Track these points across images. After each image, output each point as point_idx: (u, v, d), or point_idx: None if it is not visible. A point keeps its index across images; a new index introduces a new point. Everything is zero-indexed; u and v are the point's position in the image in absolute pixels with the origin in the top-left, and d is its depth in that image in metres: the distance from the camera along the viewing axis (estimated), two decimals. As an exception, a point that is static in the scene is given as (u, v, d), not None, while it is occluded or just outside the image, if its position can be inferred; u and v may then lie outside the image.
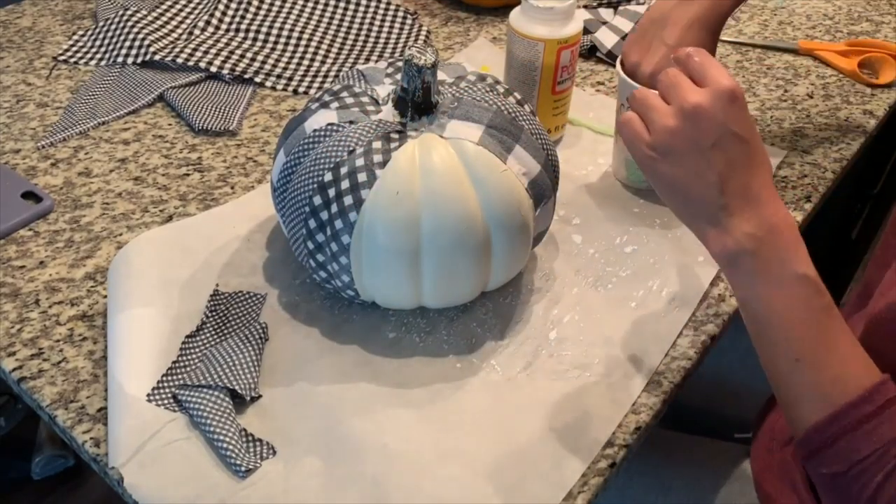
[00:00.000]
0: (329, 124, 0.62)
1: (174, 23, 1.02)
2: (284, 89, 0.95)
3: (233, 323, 0.65)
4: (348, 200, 0.58)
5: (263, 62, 0.97)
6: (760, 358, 0.55)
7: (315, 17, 1.04)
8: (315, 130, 0.62)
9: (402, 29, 1.05)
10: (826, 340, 0.51)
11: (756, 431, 0.74)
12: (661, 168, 0.54)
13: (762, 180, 0.53)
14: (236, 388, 0.59)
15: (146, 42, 0.96)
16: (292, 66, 0.97)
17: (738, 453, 0.76)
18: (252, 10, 1.02)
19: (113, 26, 0.99)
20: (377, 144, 0.60)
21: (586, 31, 1.01)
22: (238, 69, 0.95)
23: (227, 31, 1.00)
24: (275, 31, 1.01)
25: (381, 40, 1.04)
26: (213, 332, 0.64)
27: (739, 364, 0.90)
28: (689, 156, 0.53)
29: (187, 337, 0.63)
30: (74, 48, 0.99)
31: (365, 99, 0.64)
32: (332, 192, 0.59)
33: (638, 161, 0.56)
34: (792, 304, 0.52)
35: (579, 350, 0.65)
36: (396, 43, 1.03)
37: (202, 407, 0.57)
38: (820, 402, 0.51)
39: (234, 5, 1.02)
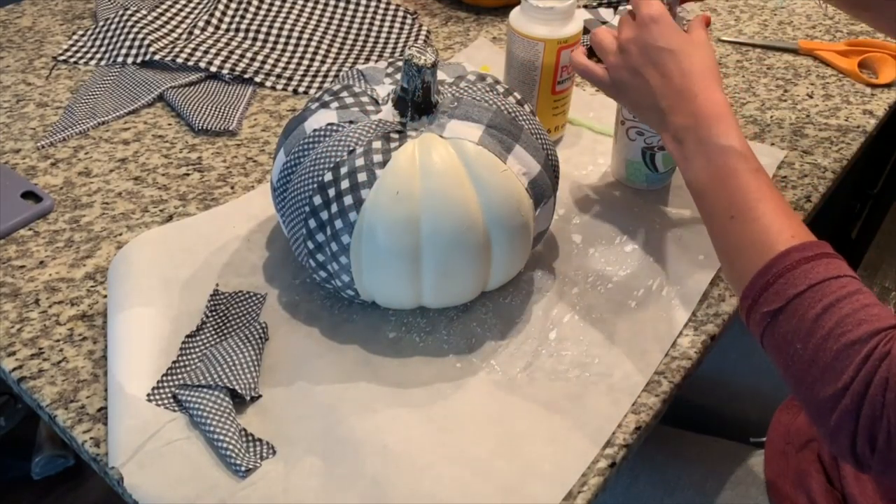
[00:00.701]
0: (329, 124, 0.62)
1: (174, 23, 1.02)
2: (284, 89, 0.95)
3: (233, 323, 0.65)
4: (348, 200, 0.58)
5: (263, 62, 0.97)
6: (707, 228, 0.62)
7: (315, 17, 1.04)
8: (315, 130, 0.62)
9: (402, 29, 1.05)
10: (756, 197, 0.57)
11: (769, 435, 0.74)
12: (619, 96, 0.69)
13: (697, 78, 0.62)
14: (236, 387, 0.59)
15: (146, 42, 0.96)
16: (292, 66, 0.97)
17: (744, 454, 0.76)
18: (252, 9, 1.02)
19: (113, 26, 0.99)
20: (377, 144, 0.60)
21: (586, 31, 1.01)
22: (238, 69, 0.95)
23: (227, 30, 1.00)
24: (275, 31, 1.01)
25: (381, 40, 1.04)
26: (213, 332, 0.64)
27: (743, 364, 0.90)
28: (632, 80, 0.66)
29: (187, 337, 0.63)
30: (74, 48, 0.99)
31: (365, 99, 0.64)
32: (332, 192, 0.59)
33: (606, 94, 0.70)
34: (724, 170, 0.59)
35: (579, 350, 0.65)
36: (396, 43, 1.03)
37: (202, 407, 0.57)
38: (757, 249, 0.55)
39: (233, 5, 1.02)
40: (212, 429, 0.56)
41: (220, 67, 0.94)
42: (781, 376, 0.55)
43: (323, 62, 0.99)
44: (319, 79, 0.96)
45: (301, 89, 0.94)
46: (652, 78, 0.64)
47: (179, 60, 0.94)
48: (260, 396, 0.60)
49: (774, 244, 0.54)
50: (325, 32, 1.03)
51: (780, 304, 0.52)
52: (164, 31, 1.00)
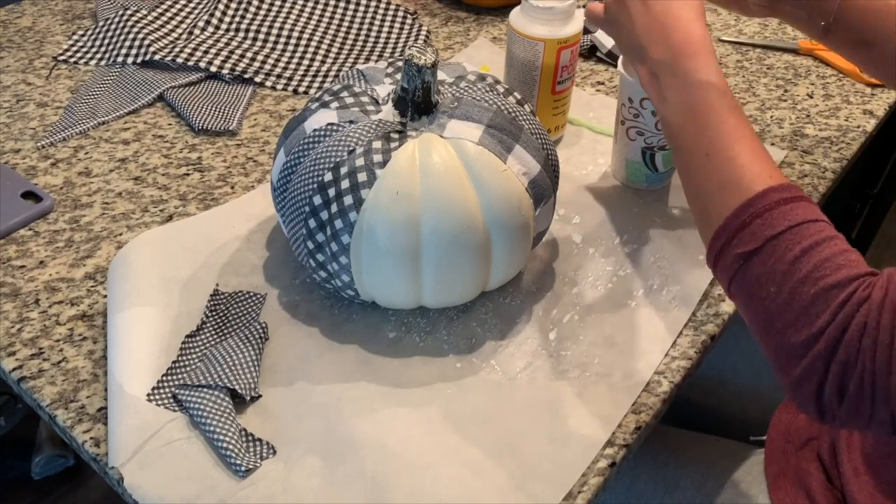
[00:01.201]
0: (329, 124, 0.62)
1: (174, 23, 1.02)
2: (284, 89, 0.95)
3: (233, 323, 0.65)
4: (348, 200, 0.58)
5: (263, 62, 0.97)
6: (679, 168, 0.59)
7: (315, 17, 1.04)
8: (315, 130, 0.62)
9: (402, 29, 1.05)
10: (734, 135, 0.55)
11: (769, 434, 0.74)
12: (612, 33, 0.67)
13: (678, 12, 0.60)
14: (236, 387, 0.59)
15: (146, 42, 0.96)
16: (292, 66, 0.97)
17: (745, 453, 0.76)
18: (252, 9, 1.02)
19: (113, 26, 0.99)
20: (377, 144, 0.60)
21: (586, 31, 1.01)
22: (238, 69, 0.95)
23: (227, 30, 1.00)
24: (275, 31, 1.01)
25: (381, 40, 1.04)
26: (213, 332, 0.64)
27: (744, 364, 0.90)
28: (619, 14, 0.64)
29: (187, 337, 0.63)
30: (74, 48, 0.99)
31: (365, 99, 0.64)
32: (332, 192, 0.59)
33: (607, 33, 0.70)
34: (700, 106, 0.57)
35: (579, 350, 0.65)
36: (396, 43, 1.03)
37: (202, 407, 0.57)
38: (733, 189, 0.53)
39: (234, 5, 1.02)
40: (212, 429, 0.56)
41: (220, 67, 0.94)
42: (748, 323, 0.53)
43: (323, 62, 0.99)
44: (319, 79, 0.96)
45: (301, 89, 0.94)
46: (634, 8, 0.62)
47: (179, 60, 0.94)
48: (260, 396, 0.60)
49: (751, 184, 0.52)
50: (325, 32, 1.03)
51: (755, 246, 0.51)
52: (164, 31, 1.00)
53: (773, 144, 0.88)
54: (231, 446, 0.55)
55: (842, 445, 0.66)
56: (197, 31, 0.99)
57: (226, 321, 0.65)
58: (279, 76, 0.96)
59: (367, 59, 1.00)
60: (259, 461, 0.56)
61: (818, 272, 0.48)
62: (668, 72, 0.59)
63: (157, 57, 0.94)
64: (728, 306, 0.69)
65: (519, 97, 0.66)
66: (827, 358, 0.47)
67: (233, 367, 0.60)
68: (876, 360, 0.46)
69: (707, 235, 0.55)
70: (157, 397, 0.59)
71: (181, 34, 1.00)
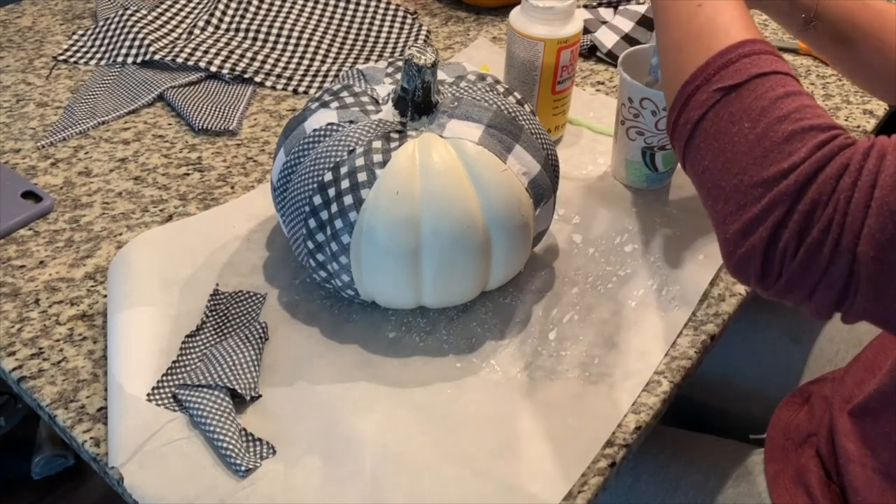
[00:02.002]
0: (329, 124, 0.62)
1: (174, 22, 1.02)
2: (284, 89, 0.95)
3: (233, 322, 0.65)
4: (348, 200, 0.58)
5: (263, 62, 0.97)
6: (664, 18, 0.57)
7: (315, 17, 1.04)
8: (315, 130, 0.62)
9: (402, 28, 1.05)
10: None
11: (769, 432, 0.74)
12: None
13: None
14: (236, 387, 0.59)
15: (146, 42, 0.96)
16: (292, 66, 0.97)
17: (746, 452, 0.76)
18: (252, 9, 1.02)
19: (113, 26, 0.99)
20: (377, 144, 0.60)
21: (586, 30, 1.01)
22: (238, 69, 0.95)
23: (227, 30, 1.00)
24: (275, 31, 1.01)
25: (381, 40, 1.04)
26: (213, 332, 0.64)
27: (745, 364, 0.90)
28: None
29: (187, 336, 0.63)
30: (74, 48, 0.99)
31: (365, 98, 0.64)
32: (332, 192, 0.59)
33: None
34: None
35: (579, 350, 0.65)
36: (396, 42, 1.03)
37: (202, 406, 0.57)
38: (722, 34, 0.52)
39: (234, 5, 1.02)
40: (212, 428, 0.56)
41: (220, 67, 0.94)
42: (703, 172, 0.51)
43: (323, 62, 0.99)
44: (319, 78, 0.96)
45: (301, 89, 0.94)
46: None
47: (179, 60, 0.94)
48: (260, 396, 0.60)
49: (742, 33, 0.51)
50: (325, 32, 1.03)
51: (739, 80, 0.49)
52: (164, 30, 1.00)
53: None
54: (231, 446, 0.55)
55: (839, 431, 0.65)
56: (197, 31, 0.99)
57: (226, 321, 0.65)
58: (279, 76, 0.96)
59: (367, 59, 1.00)
60: (259, 461, 0.56)
61: (800, 113, 0.47)
62: None
63: (157, 57, 0.94)
64: (728, 306, 0.69)
65: (519, 97, 0.66)
66: (794, 195, 0.45)
67: (233, 367, 0.60)
68: (853, 200, 0.44)
69: (679, 81, 0.53)
70: (157, 397, 0.59)
71: (181, 34, 1.00)
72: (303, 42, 1.01)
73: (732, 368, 0.90)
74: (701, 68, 0.52)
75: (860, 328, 0.89)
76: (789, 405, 0.75)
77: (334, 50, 1.01)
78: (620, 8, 1.05)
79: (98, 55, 0.98)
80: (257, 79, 0.95)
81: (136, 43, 0.96)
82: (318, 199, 0.59)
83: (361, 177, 0.58)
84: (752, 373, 0.89)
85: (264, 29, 1.01)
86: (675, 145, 0.55)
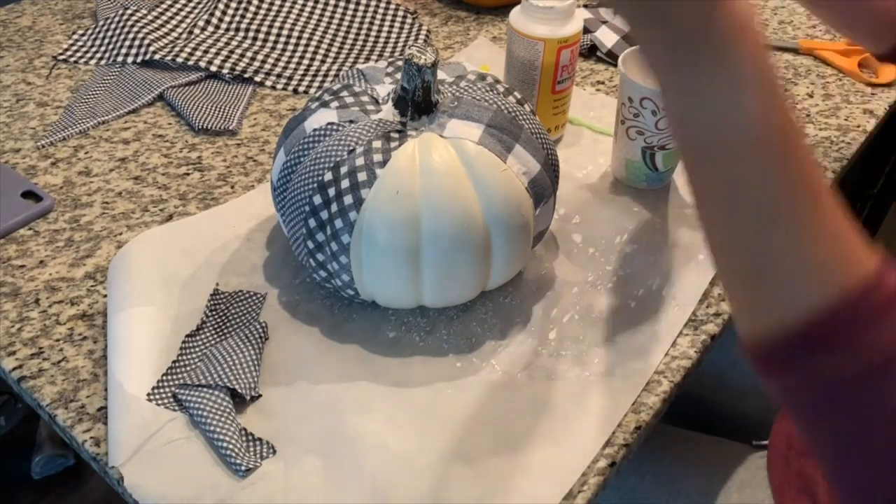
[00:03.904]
0: (329, 123, 0.62)
1: (174, 22, 1.01)
2: (284, 89, 0.95)
3: (233, 322, 0.65)
4: (348, 200, 0.58)
5: (263, 61, 0.97)
6: (703, 214, 0.39)
7: (315, 17, 1.04)
8: (315, 130, 0.62)
9: (402, 28, 1.05)
10: (813, 182, 0.36)
11: (771, 440, 0.74)
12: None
13: None
14: (236, 387, 0.59)
15: (146, 41, 0.96)
16: (292, 66, 0.97)
17: (751, 456, 0.76)
18: (252, 9, 1.02)
19: (113, 25, 0.99)
20: (377, 144, 0.60)
21: (586, 30, 1.01)
22: (238, 68, 0.95)
23: (227, 30, 1.00)
24: (275, 31, 1.01)
25: (381, 39, 1.03)
26: (213, 332, 0.64)
27: (741, 361, 0.90)
28: None
29: (187, 336, 0.63)
30: (74, 47, 0.99)
31: (365, 98, 0.64)
32: (332, 192, 0.59)
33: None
34: (766, 117, 0.35)
35: (579, 350, 0.65)
36: (396, 42, 1.03)
37: (202, 406, 0.57)
38: (817, 278, 0.35)
39: (234, 4, 1.02)
40: (212, 428, 0.56)
41: (220, 67, 0.94)
42: (823, 441, 0.38)
43: (323, 62, 0.99)
44: (319, 78, 0.96)
45: (301, 89, 0.94)
46: None
47: (179, 60, 0.94)
48: (260, 396, 0.60)
49: (843, 275, 0.35)
50: (325, 32, 1.03)
51: (860, 368, 0.35)
52: (164, 30, 1.00)
53: (773, 144, 0.88)
54: (231, 446, 0.55)
55: None
56: (197, 31, 0.99)
57: (226, 321, 0.65)
58: (279, 76, 0.96)
59: (367, 59, 1.00)
60: (259, 461, 0.56)
61: None
62: (699, 65, 0.36)
63: (157, 56, 0.94)
64: (728, 306, 0.69)
65: (519, 97, 0.66)
66: None
67: (233, 367, 0.60)
68: None
69: (758, 329, 0.38)
70: (157, 397, 0.59)
71: (181, 34, 1.00)
72: (303, 42, 1.01)
73: (728, 365, 0.90)
74: (796, 337, 0.36)
75: None
76: (788, 417, 0.75)
77: (334, 50, 1.01)
78: (620, 8, 1.05)
79: (98, 55, 0.98)
80: (257, 78, 0.95)
81: (136, 43, 0.96)
82: (318, 199, 0.59)
83: (361, 176, 0.58)
84: (745, 369, 0.89)
85: (264, 29, 1.01)
86: (761, 377, 0.40)
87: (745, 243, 0.37)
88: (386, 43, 1.03)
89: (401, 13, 1.06)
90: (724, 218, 0.38)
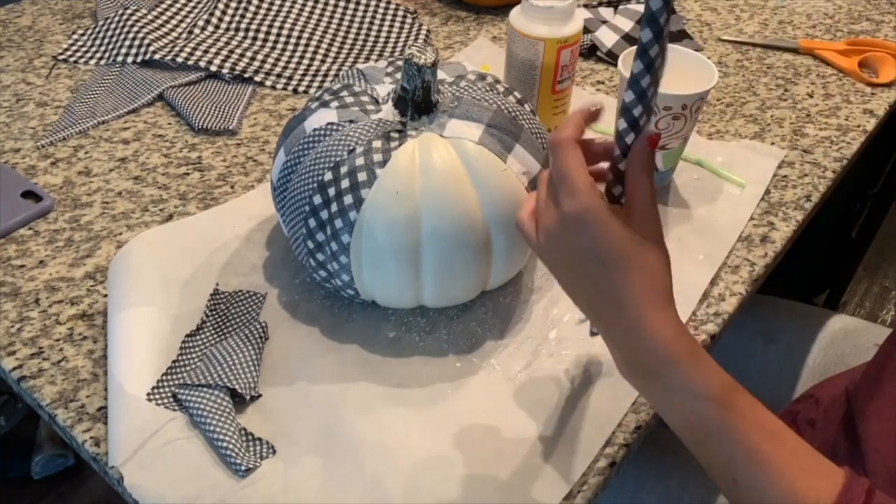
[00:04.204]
0: (329, 123, 0.62)
1: (174, 22, 1.01)
2: (284, 88, 0.95)
3: (233, 322, 0.65)
4: (348, 200, 0.58)
5: (263, 61, 0.97)
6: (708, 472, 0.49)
7: (315, 16, 1.04)
8: (315, 130, 0.62)
9: (402, 28, 1.05)
10: (758, 456, 0.45)
11: None
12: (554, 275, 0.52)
13: (637, 299, 0.46)
14: (236, 387, 0.59)
15: (146, 41, 0.96)
16: (292, 66, 0.97)
17: None
18: (252, 9, 1.02)
19: (113, 25, 0.99)
20: (377, 144, 0.60)
21: (586, 30, 1.01)
22: (238, 68, 0.95)
23: (227, 30, 1.00)
24: (275, 31, 1.01)
25: (381, 39, 1.03)
26: (213, 332, 0.64)
27: (724, 365, 0.90)
28: (561, 270, 0.50)
29: (187, 336, 0.63)
30: (74, 47, 0.99)
31: (365, 98, 0.64)
32: (331, 192, 0.59)
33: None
34: (703, 426, 0.46)
35: (579, 350, 0.65)
36: (396, 42, 1.03)
37: (202, 406, 0.57)
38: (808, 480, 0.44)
39: (234, 4, 1.02)
40: (212, 428, 0.56)
41: (220, 67, 0.94)
42: None
43: (323, 61, 0.99)
44: (319, 78, 0.96)
45: (301, 89, 0.94)
46: (583, 284, 0.49)
47: (179, 60, 0.94)
48: (260, 396, 0.60)
49: (822, 487, 0.43)
50: (325, 32, 1.03)
51: None
52: (164, 30, 1.00)
53: (773, 144, 0.88)
54: (231, 446, 0.55)
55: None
56: (197, 31, 0.99)
57: (226, 320, 0.65)
58: (279, 75, 0.96)
59: (368, 59, 1.00)
60: (259, 461, 0.56)
61: None
62: (651, 385, 0.48)
63: (156, 56, 0.94)
64: (728, 306, 0.69)
65: (519, 96, 0.66)
66: None
67: (233, 367, 0.60)
68: None
69: None
70: (157, 397, 0.59)
71: (181, 33, 1.00)
72: (303, 42, 1.01)
73: (735, 371, 0.90)
74: None
75: (832, 326, 0.90)
76: None
77: (334, 49, 1.01)
78: (620, 7, 1.05)
79: (98, 55, 0.98)
80: (257, 78, 0.95)
81: (136, 42, 0.96)
82: (317, 199, 0.59)
83: (361, 176, 0.58)
84: (728, 371, 0.89)
85: (264, 28, 1.01)
86: None
87: (733, 496, 0.47)
88: (386, 43, 1.03)
89: (401, 13, 1.06)
90: (714, 473, 0.48)
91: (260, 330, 0.63)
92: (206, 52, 0.95)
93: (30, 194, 0.77)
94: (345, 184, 0.59)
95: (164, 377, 0.60)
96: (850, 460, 0.62)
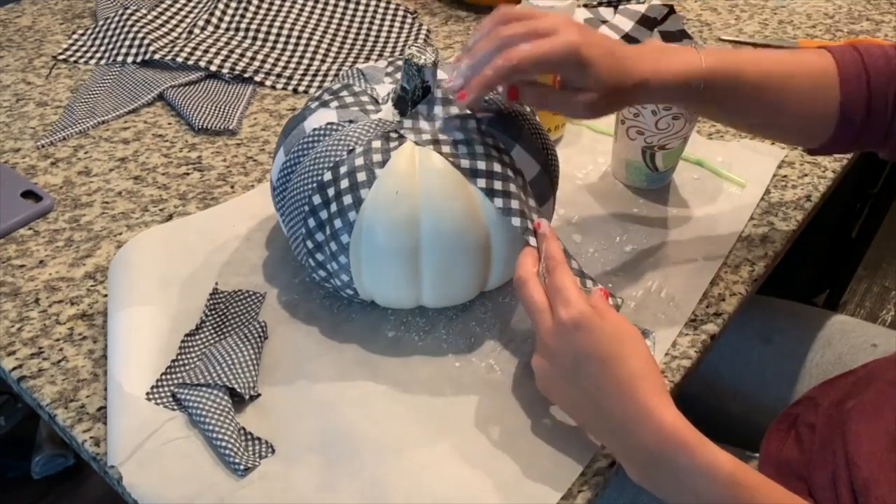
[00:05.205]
0: (329, 123, 0.62)
1: (174, 22, 1.02)
2: (284, 88, 0.95)
3: (232, 321, 0.65)
4: (348, 200, 0.58)
5: (263, 61, 0.97)
6: None
7: (315, 16, 1.04)
8: (315, 129, 0.62)
9: (402, 28, 1.05)
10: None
11: (761, 459, 0.73)
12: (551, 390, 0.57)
13: (639, 388, 0.51)
14: (235, 386, 0.59)
15: (146, 41, 0.96)
16: (292, 65, 0.97)
17: (748, 461, 0.76)
18: (252, 8, 1.02)
19: (113, 25, 0.99)
20: (377, 144, 0.60)
21: (586, 30, 1.01)
22: (238, 68, 0.95)
23: (227, 30, 1.00)
24: (274, 30, 1.01)
25: (381, 39, 1.04)
26: (213, 331, 0.64)
27: (723, 364, 0.90)
28: (561, 384, 0.55)
29: (187, 336, 0.63)
30: (74, 47, 0.99)
31: (365, 98, 0.64)
32: (331, 192, 0.59)
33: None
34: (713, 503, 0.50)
35: (579, 349, 0.65)
36: (396, 42, 1.03)
37: (201, 405, 0.57)
38: None
39: (234, 4, 1.02)
40: (211, 428, 0.56)
41: (220, 67, 0.94)
42: None
43: (323, 61, 0.99)
44: (319, 78, 0.96)
45: (301, 88, 0.94)
46: (587, 388, 0.53)
47: (179, 60, 0.94)
48: (259, 395, 0.60)
49: None
50: (325, 32, 1.03)
51: None
52: (164, 30, 1.00)
53: (773, 144, 0.88)
54: (230, 445, 0.55)
55: (841, 472, 0.64)
56: (197, 31, 0.99)
57: (225, 320, 0.65)
58: (279, 75, 0.96)
59: (367, 59, 1.00)
60: (258, 460, 0.56)
61: None
62: (652, 474, 0.52)
63: (156, 56, 0.94)
64: (728, 306, 0.69)
65: (519, 96, 0.66)
66: None
67: (232, 366, 0.60)
68: None
69: None
70: (157, 396, 0.59)
71: (181, 33, 1.00)
72: (303, 42, 1.01)
73: (711, 368, 0.90)
74: None
75: (830, 326, 0.90)
76: (776, 433, 0.73)
77: (334, 49, 1.01)
78: (620, 7, 1.05)
79: (98, 55, 0.98)
80: (257, 78, 0.95)
81: (136, 42, 0.96)
82: (317, 199, 0.59)
83: (361, 176, 0.58)
84: (727, 371, 0.89)
85: (264, 28, 1.01)
86: None
87: None
88: (386, 43, 1.03)
89: (401, 13, 1.06)
90: None
91: (259, 329, 0.64)
92: (206, 52, 0.95)
93: (30, 194, 0.77)
94: (344, 184, 0.59)
95: (163, 377, 0.60)
96: (847, 466, 0.62)
